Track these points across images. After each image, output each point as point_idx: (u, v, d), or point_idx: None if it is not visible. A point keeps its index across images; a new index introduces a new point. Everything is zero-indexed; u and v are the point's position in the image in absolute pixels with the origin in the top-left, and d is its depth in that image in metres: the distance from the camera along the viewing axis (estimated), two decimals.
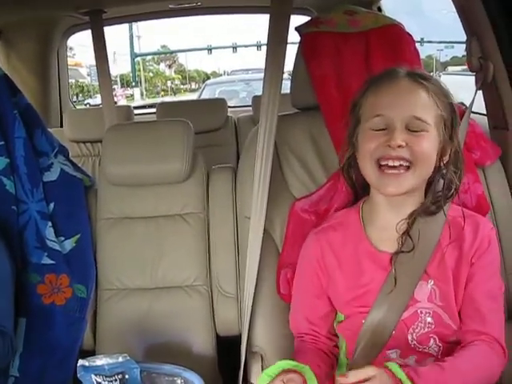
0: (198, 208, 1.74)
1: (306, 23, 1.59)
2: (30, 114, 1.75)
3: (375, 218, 1.25)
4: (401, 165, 1.13)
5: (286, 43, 1.45)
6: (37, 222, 1.65)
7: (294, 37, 1.54)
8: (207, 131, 3.18)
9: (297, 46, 1.56)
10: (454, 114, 1.16)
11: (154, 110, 3.62)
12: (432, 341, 1.21)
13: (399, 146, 1.11)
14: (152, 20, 3.61)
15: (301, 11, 3.21)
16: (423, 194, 1.20)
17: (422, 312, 1.20)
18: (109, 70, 2.86)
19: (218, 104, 3.46)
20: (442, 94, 1.15)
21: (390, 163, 1.13)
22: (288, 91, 1.59)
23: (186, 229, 1.73)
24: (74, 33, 3.47)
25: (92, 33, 2.88)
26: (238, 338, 1.57)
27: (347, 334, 1.27)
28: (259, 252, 1.46)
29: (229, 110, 3.53)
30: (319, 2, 3.00)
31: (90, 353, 1.66)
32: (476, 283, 1.20)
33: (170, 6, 3.13)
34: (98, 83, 2.83)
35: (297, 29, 1.59)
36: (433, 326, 1.20)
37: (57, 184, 1.70)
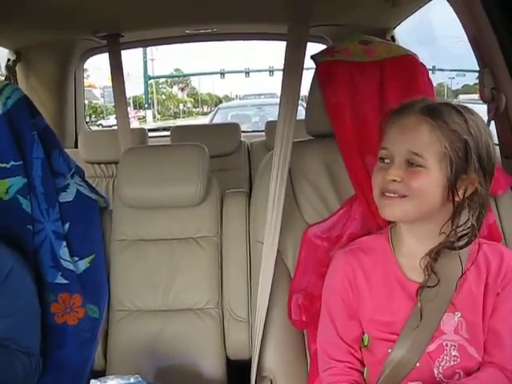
0: (211, 231, 1.76)
1: (322, 52, 1.62)
2: (48, 135, 1.77)
3: (401, 245, 1.26)
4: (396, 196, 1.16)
5: (302, 70, 1.47)
6: (52, 241, 1.67)
7: (308, 62, 1.56)
8: (220, 155, 3.20)
9: (311, 71, 1.59)
10: (467, 148, 1.13)
11: (167, 133, 3.66)
12: (457, 376, 1.21)
13: (394, 181, 1.15)
14: (168, 44, 3.66)
15: (316, 39, 3.25)
16: (449, 227, 1.20)
17: (447, 345, 1.20)
18: (125, 93, 2.91)
19: (232, 128, 3.49)
20: (451, 130, 1.13)
21: (387, 194, 1.17)
22: (301, 117, 1.61)
23: (199, 252, 1.74)
24: (91, 56, 3.53)
25: (109, 56, 2.94)
26: (249, 362, 1.57)
27: (371, 361, 1.27)
28: (271, 277, 1.47)
29: (242, 134, 3.55)
30: (334, 31, 3.03)
31: (101, 373, 1.67)
32: (500, 314, 1.20)
33: (187, 32, 3.19)
34: (111, 105, 2.88)
35: (312, 57, 1.61)
36: (458, 360, 1.20)
37: (72, 204, 1.72)
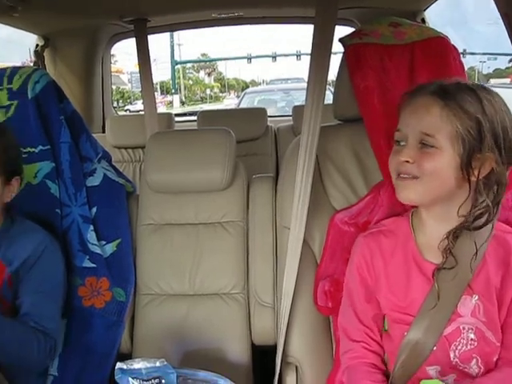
0: (237, 216, 1.75)
1: (350, 34, 1.59)
2: (76, 119, 1.78)
3: (421, 227, 1.25)
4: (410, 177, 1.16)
5: (330, 54, 1.45)
6: (79, 225, 1.68)
7: (336, 47, 1.53)
8: (247, 140, 3.19)
9: (339, 55, 1.56)
10: (480, 127, 1.11)
11: (194, 117, 3.66)
12: (474, 361, 1.19)
13: (407, 162, 1.15)
14: (194, 29, 3.64)
15: (344, 22, 3.20)
16: (468, 208, 1.18)
17: (464, 328, 1.18)
18: (152, 78, 2.91)
19: (259, 113, 3.46)
20: (462, 109, 1.12)
21: (401, 175, 1.17)
22: (329, 102, 1.59)
23: (225, 237, 1.74)
24: (118, 40, 3.53)
25: (136, 41, 2.93)
26: (274, 348, 1.57)
27: (390, 348, 1.26)
28: (298, 262, 1.46)
29: (268, 119, 3.53)
30: (363, 13, 2.98)
31: (127, 356, 1.69)
32: None
33: (213, 16, 3.17)
34: (138, 90, 2.89)
35: (341, 40, 1.58)
36: (475, 344, 1.18)
37: (99, 189, 1.72)
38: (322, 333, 1.48)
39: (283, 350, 1.51)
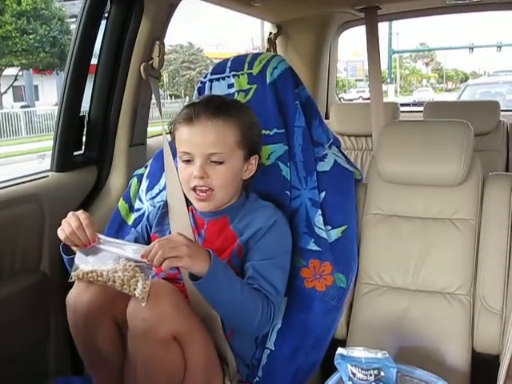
0: (469, 214, 1.67)
1: None
2: (310, 105, 1.82)
3: None
4: None
5: None
6: (307, 208, 1.71)
7: None
8: (476, 135, 3.01)
9: None
10: None
11: (417, 108, 3.56)
12: None
13: None
14: (428, 16, 3.52)
15: None
16: None
17: None
18: (380, 67, 2.88)
19: (491, 106, 3.23)
20: None
21: None
22: None
23: (455, 234, 1.66)
24: (346, 29, 3.56)
25: (366, 29, 2.93)
26: (497, 359, 1.47)
27: None
28: None
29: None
30: None
31: (342, 342, 1.70)
32: None
33: (447, 3, 3.03)
34: (353, 79, 2.91)
35: None
36: None
37: (329, 174, 1.74)
38: None
39: (510, 362, 1.40)
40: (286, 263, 1.55)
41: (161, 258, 1.26)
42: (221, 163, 1.47)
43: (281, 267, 1.52)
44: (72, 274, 1.37)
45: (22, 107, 17.80)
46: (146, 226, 1.69)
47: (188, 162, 1.50)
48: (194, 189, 1.49)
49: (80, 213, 1.40)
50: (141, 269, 1.30)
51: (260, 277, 1.45)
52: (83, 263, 1.37)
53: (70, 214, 1.40)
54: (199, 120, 1.47)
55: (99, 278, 1.32)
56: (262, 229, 1.51)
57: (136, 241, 1.65)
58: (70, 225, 1.38)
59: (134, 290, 1.27)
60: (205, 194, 1.49)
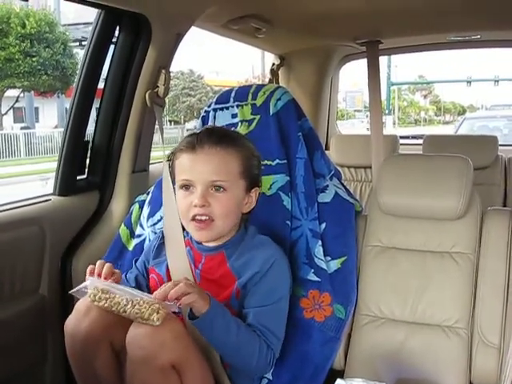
0: (468, 248, 1.68)
1: None
2: (312, 136, 1.85)
3: None
4: None
5: None
6: (308, 239, 1.72)
7: None
8: (474, 169, 3.04)
9: None
10: None
11: (416, 141, 3.59)
12: None
13: None
14: (428, 52, 3.58)
15: None
16: None
17: None
18: (381, 100, 2.93)
19: (489, 141, 3.27)
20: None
21: None
22: None
23: (453, 268, 1.67)
24: (348, 61, 3.62)
25: (368, 62, 2.99)
26: None
27: None
28: None
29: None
30: None
31: (339, 372, 1.70)
32: None
33: (447, 39, 3.09)
34: (351, 109, 2.94)
35: None
36: None
37: (330, 206, 1.75)
38: None
39: None
40: (285, 306, 1.55)
41: (177, 293, 1.30)
42: (223, 191, 1.47)
43: (279, 312, 1.52)
44: (89, 291, 1.38)
45: (21, 128, 17.85)
46: (144, 262, 1.68)
47: (187, 190, 1.49)
48: (194, 218, 1.48)
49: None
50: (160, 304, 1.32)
51: (260, 325, 1.46)
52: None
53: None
54: (202, 148, 1.47)
55: (114, 300, 1.33)
56: (260, 271, 1.49)
57: (136, 278, 1.65)
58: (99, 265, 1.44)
59: (150, 315, 1.29)
60: (204, 223, 1.48)
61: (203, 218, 1.47)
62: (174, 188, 1.62)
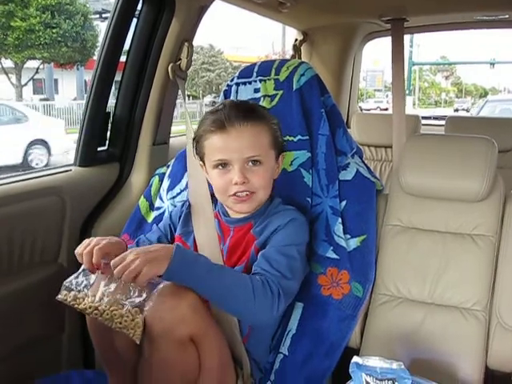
0: (490, 231, 1.66)
1: None
2: (335, 113, 1.83)
3: None
4: None
5: None
6: (328, 216, 1.72)
7: None
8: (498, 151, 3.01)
9: None
10: None
11: (438, 122, 3.55)
12: None
13: None
14: (454, 31, 3.51)
15: None
16: None
17: None
18: (404, 79, 2.88)
19: None
20: None
21: None
22: None
23: (474, 250, 1.66)
24: (371, 39, 3.56)
25: (392, 40, 2.94)
26: (510, 377, 1.47)
27: None
28: None
29: None
30: None
31: (355, 350, 1.70)
32: None
33: (475, 18, 3.03)
34: (371, 88, 2.90)
35: None
36: None
37: (351, 183, 1.74)
38: None
39: None
40: (293, 253, 1.48)
41: (131, 276, 1.27)
42: (259, 164, 1.49)
43: (286, 255, 1.47)
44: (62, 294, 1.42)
45: (41, 100, 17.95)
46: (170, 225, 1.70)
47: (224, 168, 1.50)
48: (235, 194, 1.50)
49: (97, 238, 1.43)
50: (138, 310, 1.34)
51: (264, 260, 1.45)
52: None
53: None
54: (233, 125, 1.47)
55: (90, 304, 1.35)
56: (278, 227, 1.51)
57: (159, 240, 1.66)
58: (83, 245, 1.41)
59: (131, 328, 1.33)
60: (246, 197, 1.50)
61: (244, 193, 1.50)
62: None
